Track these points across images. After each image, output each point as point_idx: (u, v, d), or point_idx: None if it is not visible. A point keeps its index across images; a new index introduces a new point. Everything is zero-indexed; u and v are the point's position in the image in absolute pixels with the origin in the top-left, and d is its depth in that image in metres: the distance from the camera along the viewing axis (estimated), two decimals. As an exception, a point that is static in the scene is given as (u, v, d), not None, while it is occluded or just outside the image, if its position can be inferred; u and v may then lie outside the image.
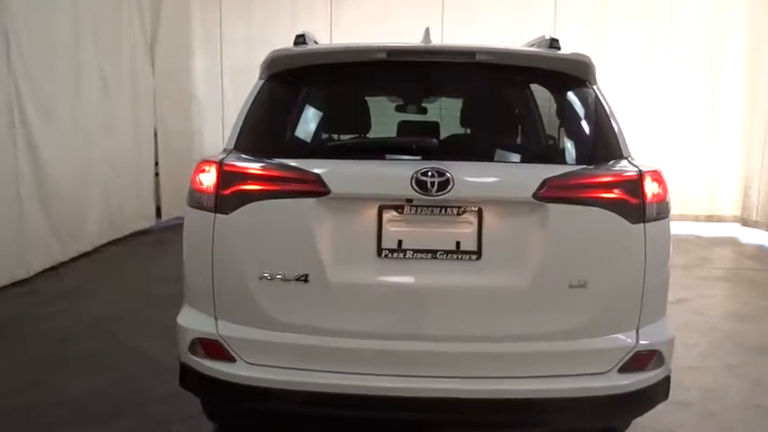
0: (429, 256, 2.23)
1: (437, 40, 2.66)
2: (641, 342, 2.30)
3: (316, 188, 2.20)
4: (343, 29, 8.56)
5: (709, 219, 8.79)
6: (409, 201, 2.21)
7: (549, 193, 2.20)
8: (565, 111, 2.63)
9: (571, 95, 2.56)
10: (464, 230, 2.23)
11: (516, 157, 2.52)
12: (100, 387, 3.40)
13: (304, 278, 2.22)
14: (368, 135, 2.65)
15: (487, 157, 2.45)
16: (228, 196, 2.27)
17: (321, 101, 2.60)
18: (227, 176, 2.28)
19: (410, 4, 8.63)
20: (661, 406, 2.46)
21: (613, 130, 2.46)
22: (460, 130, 2.74)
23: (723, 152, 8.82)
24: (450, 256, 2.23)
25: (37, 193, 5.51)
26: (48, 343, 4.04)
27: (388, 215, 2.23)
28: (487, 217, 2.23)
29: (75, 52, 6.14)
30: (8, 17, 5.22)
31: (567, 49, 2.65)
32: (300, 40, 2.66)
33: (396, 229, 2.24)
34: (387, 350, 2.23)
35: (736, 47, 8.66)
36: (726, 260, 7.18)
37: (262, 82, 2.54)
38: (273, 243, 2.26)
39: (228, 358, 2.29)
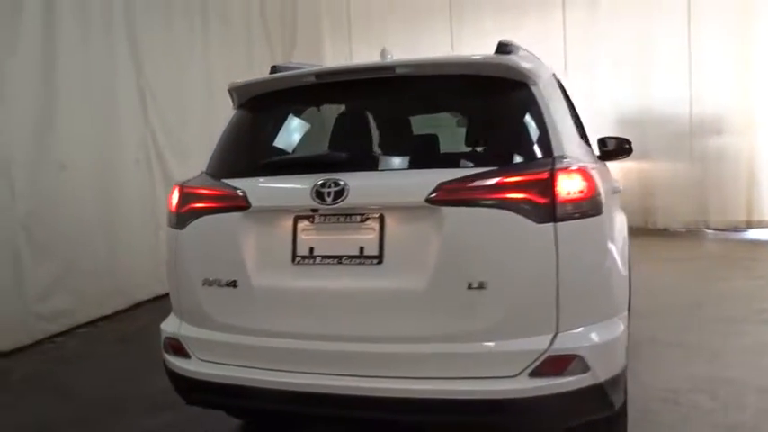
0: (335, 261, 2.38)
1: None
2: (555, 346, 2.22)
3: (240, 203, 2.48)
4: (463, 49, 8.73)
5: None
6: (315, 210, 2.39)
7: (443, 196, 2.24)
8: (487, 114, 2.62)
9: (496, 98, 2.54)
10: (367, 236, 2.35)
11: (424, 164, 2.55)
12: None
13: (233, 284, 2.49)
14: (300, 152, 2.86)
15: (395, 165, 2.55)
16: (184, 214, 2.64)
17: (266, 125, 2.86)
18: (184, 197, 2.66)
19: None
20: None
21: (545, 129, 2.41)
22: (387, 141, 2.82)
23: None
24: (353, 260, 2.36)
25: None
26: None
27: (302, 225, 2.43)
28: (389, 223, 2.33)
29: (208, 103, 6.94)
30: (144, 80, 6.22)
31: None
32: (273, 70, 2.96)
33: (308, 237, 2.42)
34: (300, 349, 2.39)
35: None
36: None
37: (234, 111, 2.90)
38: (212, 253, 2.56)
39: (186, 355, 2.62)
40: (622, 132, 8.48)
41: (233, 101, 2.89)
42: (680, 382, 3.65)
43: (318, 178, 2.36)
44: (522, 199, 2.22)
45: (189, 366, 2.60)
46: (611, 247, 2.41)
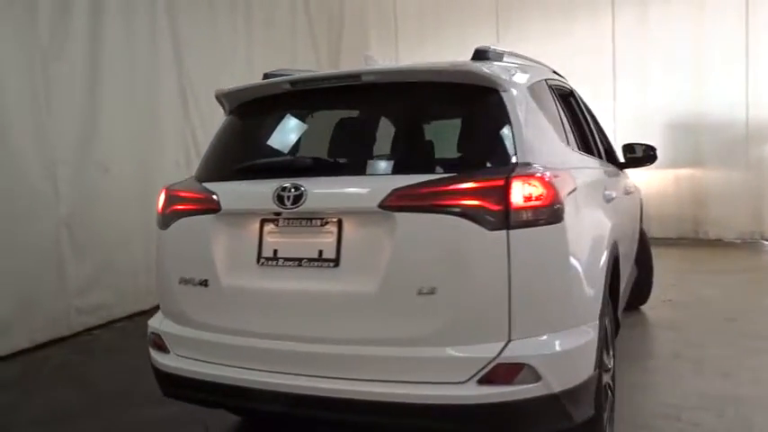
0: (296, 263, 2.44)
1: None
2: (505, 354, 2.20)
3: (212, 206, 2.59)
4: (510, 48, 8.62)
5: None
6: (278, 214, 2.46)
7: (396, 202, 2.27)
8: (453, 120, 2.63)
9: (462, 105, 2.55)
10: (326, 240, 2.40)
11: (385, 170, 2.57)
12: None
13: (205, 283, 2.59)
14: (276, 157, 2.91)
15: (356, 171, 2.59)
16: (168, 215, 2.77)
17: (248, 131, 2.93)
18: (168, 199, 2.79)
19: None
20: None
21: (511, 136, 2.40)
22: (352, 147, 2.84)
23: None
24: (312, 263, 2.42)
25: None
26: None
27: (268, 228, 2.51)
28: (347, 227, 2.37)
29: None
30: (185, 78, 6.48)
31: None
32: (266, 77, 3.04)
33: (273, 239, 2.50)
34: (262, 348, 2.46)
35: None
36: None
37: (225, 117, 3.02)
38: (188, 253, 2.68)
39: (165, 350, 2.74)
40: (675, 138, 8.27)
41: (223, 108, 3.00)
42: (689, 399, 3.54)
43: (282, 183, 2.43)
44: (474, 206, 2.21)
45: (166, 361, 2.72)
46: (575, 255, 2.37)
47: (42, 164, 5.11)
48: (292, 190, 2.40)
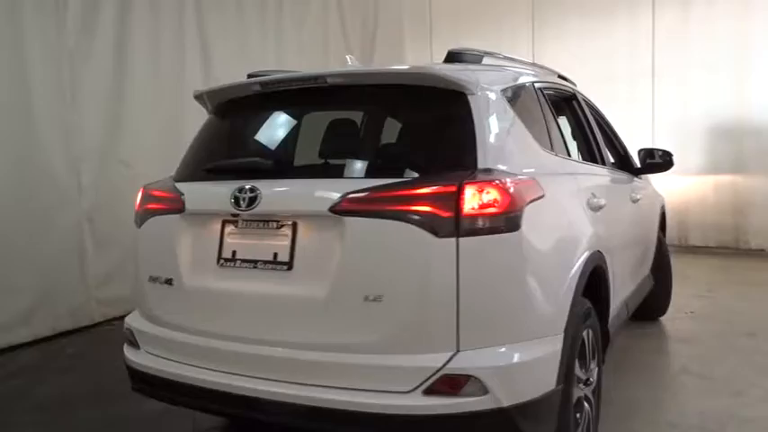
0: (252, 265, 2.44)
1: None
2: (450, 365, 2.14)
3: (177, 206, 2.62)
4: (545, 53, 8.44)
5: None
6: (235, 216, 2.46)
7: (346, 206, 2.24)
8: (415, 123, 2.57)
9: (425, 108, 2.48)
10: (281, 243, 2.39)
11: (342, 173, 2.51)
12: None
13: (170, 282, 2.62)
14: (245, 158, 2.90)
15: (313, 173, 2.58)
16: (142, 213, 2.81)
17: (224, 131, 2.94)
18: (144, 198, 2.84)
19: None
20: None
21: (473, 140, 2.33)
22: (313, 149, 2.80)
23: None
24: (267, 266, 2.41)
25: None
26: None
27: (229, 229, 2.52)
28: (301, 230, 2.36)
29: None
30: (212, 77, 6.55)
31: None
32: (249, 78, 3.05)
33: (233, 241, 2.50)
34: (216, 348, 2.47)
35: None
36: None
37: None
38: (156, 251, 2.71)
39: (136, 346, 2.79)
40: (715, 143, 7.96)
41: (205, 108, 3.03)
42: (688, 417, 3.39)
43: (240, 184, 2.43)
44: (423, 212, 2.17)
45: (134, 357, 2.77)
46: (534, 264, 2.29)
47: (67, 159, 5.28)
48: (248, 192, 2.40)
